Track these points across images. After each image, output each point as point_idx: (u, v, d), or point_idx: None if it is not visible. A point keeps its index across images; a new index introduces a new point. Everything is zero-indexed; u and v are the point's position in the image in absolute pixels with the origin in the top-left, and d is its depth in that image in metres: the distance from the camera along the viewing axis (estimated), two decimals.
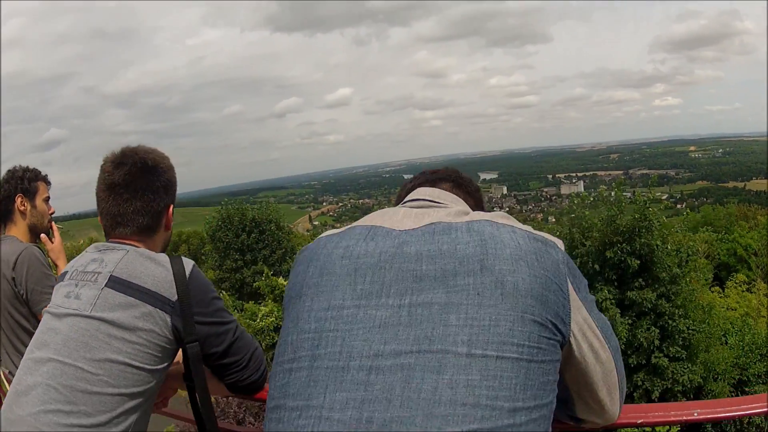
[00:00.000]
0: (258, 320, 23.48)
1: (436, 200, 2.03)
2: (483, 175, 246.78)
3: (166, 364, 2.52)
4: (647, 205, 24.71)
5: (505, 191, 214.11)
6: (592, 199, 29.10)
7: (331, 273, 1.73)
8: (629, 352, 23.46)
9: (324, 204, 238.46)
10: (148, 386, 2.44)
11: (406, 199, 2.12)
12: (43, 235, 4.52)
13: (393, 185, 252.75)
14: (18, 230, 4.45)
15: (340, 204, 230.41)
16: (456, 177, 2.27)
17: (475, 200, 2.26)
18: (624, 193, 26.91)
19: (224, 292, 32.83)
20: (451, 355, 1.47)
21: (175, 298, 2.47)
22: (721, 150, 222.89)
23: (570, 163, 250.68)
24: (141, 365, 2.40)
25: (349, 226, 1.91)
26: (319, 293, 1.71)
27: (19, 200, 4.43)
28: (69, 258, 3.57)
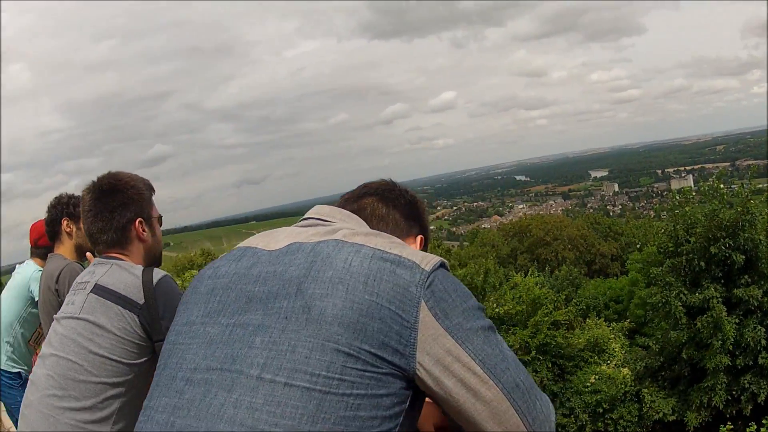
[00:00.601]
0: None
1: (324, 218, 1.90)
2: (594, 173, 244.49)
3: (143, 360, 2.86)
4: (748, 197, 23.68)
5: (616, 188, 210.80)
6: (694, 193, 28.14)
7: (197, 292, 1.73)
8: (737, 352, 22.77)
9: (438, 208, 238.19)
10: (127, 378, 2.80)
11: (302, 217, 1.98)
12: (88, 254, 4.52)
13: (505, 187, 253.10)
14: (65, 249, 4.82)
15: (455, 208, 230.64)
16: (383, 190, 2.17)
17: (404, 213, 2.14)
18: (732, 186, 25.96)
19: None
20: (243, 376, 1.44)
21: (142, 301, 2.85)
22: None
23: (677, 156, 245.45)
24: (119, 359, 2.78)
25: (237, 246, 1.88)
26: (184, 310, 1.72)
27: (65, 223, 4.83)
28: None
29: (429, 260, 1.58)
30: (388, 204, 2.11)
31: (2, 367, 5.27)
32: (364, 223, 1.95)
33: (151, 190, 3.25)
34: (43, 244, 5.11)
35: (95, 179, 3.14)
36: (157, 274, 2.96)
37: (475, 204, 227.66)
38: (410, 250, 1.62)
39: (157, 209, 3.29)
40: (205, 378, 1.48)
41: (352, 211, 2.00)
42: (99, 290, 2.86)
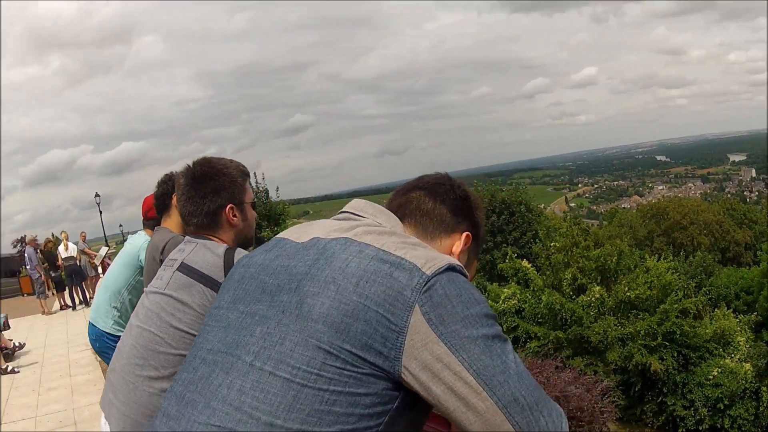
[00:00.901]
0: (500, 302, 23.34)
1: (356, 212, 1.90)
2: (732, 157, 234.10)
3: None
4: None
5: (753, 174, 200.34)
6: None
7: (231, 278, 1.83)
8: None
9: (579, 185, 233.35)
10: None
11: (339, 210, 1.99)
12: None
13: (646, 167, 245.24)
14: (172, 222, 4.80)
15: (595, 186, 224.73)
16: (434, 184, 2.05)
17: (453, 209, 2.01)
18: None
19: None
20: (240, 361, 1.52)
21: (222, 280, 2.71)
22: None
23: None
24: (197, 333, 2.77)
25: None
26: (219, 294, 1.83)
27: (175, 198, 4.68)
28: None
29: (434, 263, 1.54)
30: (436, 198, 2.00)
31: (109, 331, 5.44)
32: (396, 219, 1.91)
33: (245, 176, 3.30)
34: (151, 216, 5.23)
35: (190, 164, 3.21)
36: (239, 254, 2.98)
37: (615, 183, 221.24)
38: (420, 251, 1.59)
39: (251, 194, 3.33)
40: (214, 359, 1.58)
41: (399, 204, 2.00)
42: (184, 268, 2.96)
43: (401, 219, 1.93)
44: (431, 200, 2.00)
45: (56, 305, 22.43)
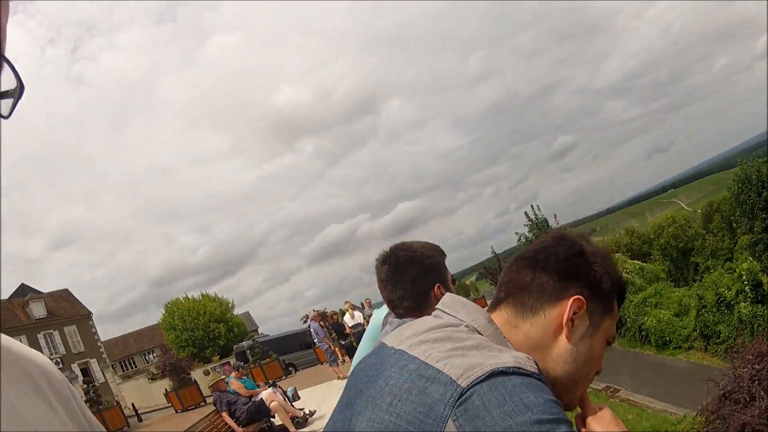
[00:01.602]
0: None
1: (444, 310, 1.64)
2: None
3: None
4: None
5: None
6: None
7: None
8: None
9: None
10: None
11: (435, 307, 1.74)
12: None
13: None
14: None
15: None
16: (536, 251, 1.66)
17: (557, 274, 1.59)
18: None
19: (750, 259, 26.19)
20: None
21: None
22: None
23: None
24: None
25: None
26: None
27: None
28: None
29: (474, 372, 1.28)
30: (536, 267, 1.63)
31: None
32: (477, 310, 1.61)
33: (444, 255, 3.24)
34: None
35: (388, 250, 3.20)
36: None
37: None
38: (468, 358, 1.33)
39: (450, 271, 3.22)
40: None
41: (502, 283, 1.68)
42: None
43: (504, 299, 1.64)
44: (530, 271, 1.65)
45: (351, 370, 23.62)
